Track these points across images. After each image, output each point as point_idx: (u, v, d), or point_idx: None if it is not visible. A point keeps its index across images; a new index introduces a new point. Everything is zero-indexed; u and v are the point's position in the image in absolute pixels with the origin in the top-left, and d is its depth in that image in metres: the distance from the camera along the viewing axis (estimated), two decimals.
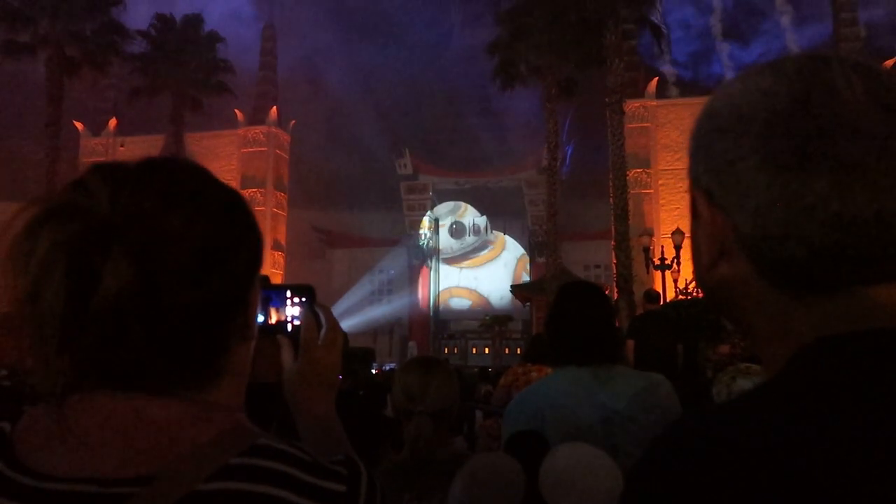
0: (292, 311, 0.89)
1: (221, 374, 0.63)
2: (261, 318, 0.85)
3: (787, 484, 0.40)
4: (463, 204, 38.16)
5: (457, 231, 38.50)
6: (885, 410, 0.41)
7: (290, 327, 0.88)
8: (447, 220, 38.70)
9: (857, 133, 0.46)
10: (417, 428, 1.70)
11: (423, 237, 37.40)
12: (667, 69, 32.60)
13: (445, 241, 38.78)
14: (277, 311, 0.88)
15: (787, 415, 0.43)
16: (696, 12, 28.91)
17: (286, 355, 0.88)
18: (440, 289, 38.69)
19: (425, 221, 37.78)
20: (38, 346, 0.56)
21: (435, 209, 38.53)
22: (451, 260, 38.76)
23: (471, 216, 38.22)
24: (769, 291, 0.50)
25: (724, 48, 36.25)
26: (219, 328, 0.62)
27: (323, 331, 0.87)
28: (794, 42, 35.89)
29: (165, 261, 0.57)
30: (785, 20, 36.90)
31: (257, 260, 0.66)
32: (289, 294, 0.89)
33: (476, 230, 38.29)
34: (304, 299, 0.90)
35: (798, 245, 0.47)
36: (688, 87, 27.93)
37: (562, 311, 1.99)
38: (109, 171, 0.61)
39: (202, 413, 0.61)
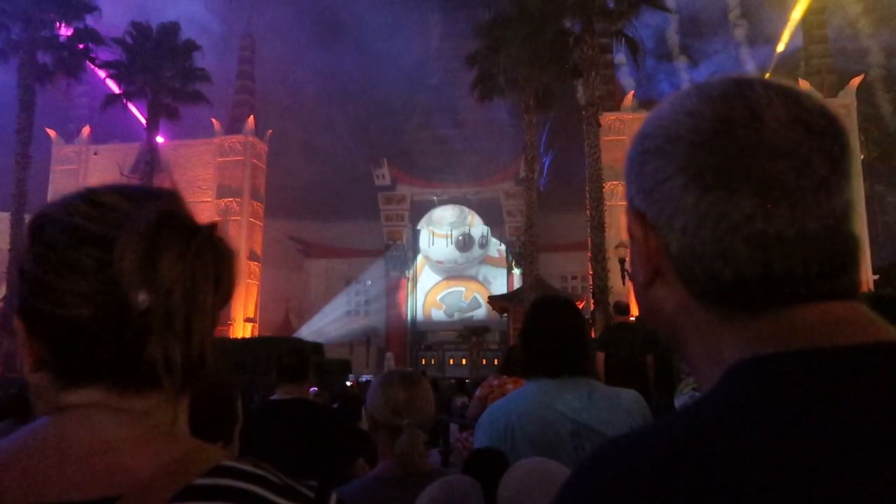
0: None
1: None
2: None
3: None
4: (470, 212, 37.62)
5: (465, 244, 37.91)
6: (795, 433, 0.41)
7: None
8: (450, 230, 38.07)
9: (777, 153, 0.47)
10: (411, 440, 1.69)
11: (400, 247, 37.31)
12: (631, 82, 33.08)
13: (450, 253, 38.13)
14: None
15: (702, 438, 0.43)
16: (649, 31, 29.42)
17: None
18: (429, 286, 38.38)
19: (403, 232, 37.70)
20: (162, 339, 0.60)
21: (434, 214, 38.01)
22: (453, 270, 38.24)
23: (479, 226, 37.72)
24: (700, 312, 0.51)
25: (679, 66, 36.91)
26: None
27: None
28: (748, 56, 36.61)
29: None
30: (739, 33, 37.54)
31: None
32: None
33: (483, 242, 37.84)
34: None
35: (725, 264, 0.48)
36: (643, 104, 28.44)
37: (533, 324, 2.00)
38: (162, 193, 0.68)
39: (162, 432, 0.61)
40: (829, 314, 0.47)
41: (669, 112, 0.53)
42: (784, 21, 35.43)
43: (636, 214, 0.54)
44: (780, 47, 35.28)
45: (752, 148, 0.47)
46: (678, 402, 2.49)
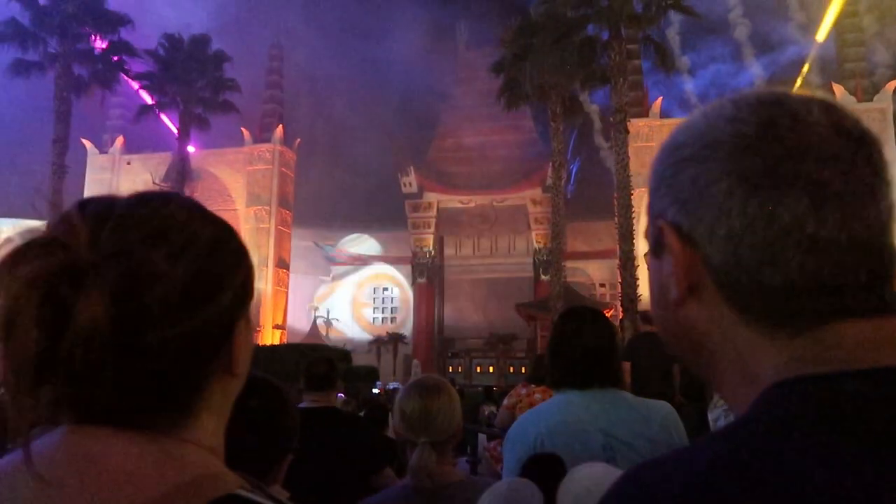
0: None
1: (199, 410, 0.61)
2: None
3: None
4: None
5: None
6: (836, 462, 0.39)
7: None
8: None
9: (824, 157, 0.46)
10: (420, 459, 1.66)
11: (427, 255, 37.34)
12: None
13: None
14: None
15: (737, 464, 0.41)
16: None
17: None
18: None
19: (430, 239, 37.74)
20: (13, 382, 0.54)
21: None
22: None
23: None
24: (739, 330, 0.49)
25: (681, 69, 36.49)
26: (199, 365, 0.60)
27: None
28: (752, 57, 35.62)
29: (143, 298, 0.56)
30: (741, 32, 36.60)
31: (244, 296, 0.64)
32: None
33: None
34: None
35: (774, 271, 0.46)
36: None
37: (562, 336, 1.97)
38: (94, 206, 0.60)
39: (172, 454, 0.58)
40: (874, 332, 0.45)
41: (702, 121, 0.52)
42: (787, 21, 34.66)
43: (670, 227, 0.51)
44: (815, 46, 34.38)
45: (800, 151, 0.46)
46: (711, 415, 2.44)
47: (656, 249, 0.54)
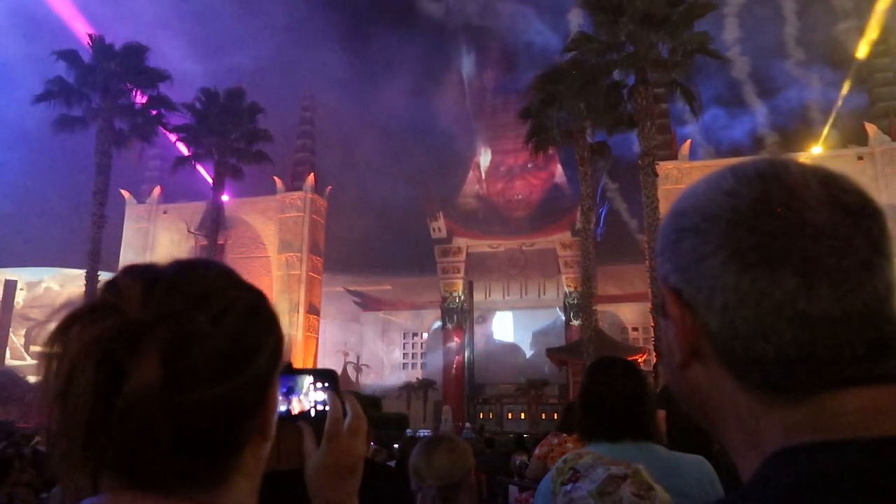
0: (315, 396, 0.89)
1: (233, 473, 0.62)
2: (283, 407, 0.85)
3: None
4: None
5: None
6: None
7: (313, 413, 0.88)
8: None
9: (818, 233, 0.47)
10: (422, 501, 1.79)
11: (456, 300, 37.26)
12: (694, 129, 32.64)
13: None
14: (300, 399, 0.89)
15: None
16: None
17: (308, 442, 0.88)
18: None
19: (459, 284, 37.71)
20: (66, 442, 0.56)
21: None
22: None
23: None
24: (740, 395, 0.49)
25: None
26: (236, 427, 0.61)
27: (348, 418, 0.88)
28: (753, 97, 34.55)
29: (191, 359, 0.57)
30: (740, 70, 35.87)
31: (277, 360, 0.66)
32: (312, 380, 0.89)
33: None
34: (327, 385, 0.90)
35: (766, 345, 0.47)
36: None
37: (593, 388, 1.96)
38: (141, 272, 0.62)
39: None
40: (873, 401, 0.45)
41: (704, 191, 0.53)
42: (785, 61, 34.26)
43: (672, 292, 0.52)
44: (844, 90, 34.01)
45: (792, 228, 0.47)
46: None
47: (664, 310, 0.56)
